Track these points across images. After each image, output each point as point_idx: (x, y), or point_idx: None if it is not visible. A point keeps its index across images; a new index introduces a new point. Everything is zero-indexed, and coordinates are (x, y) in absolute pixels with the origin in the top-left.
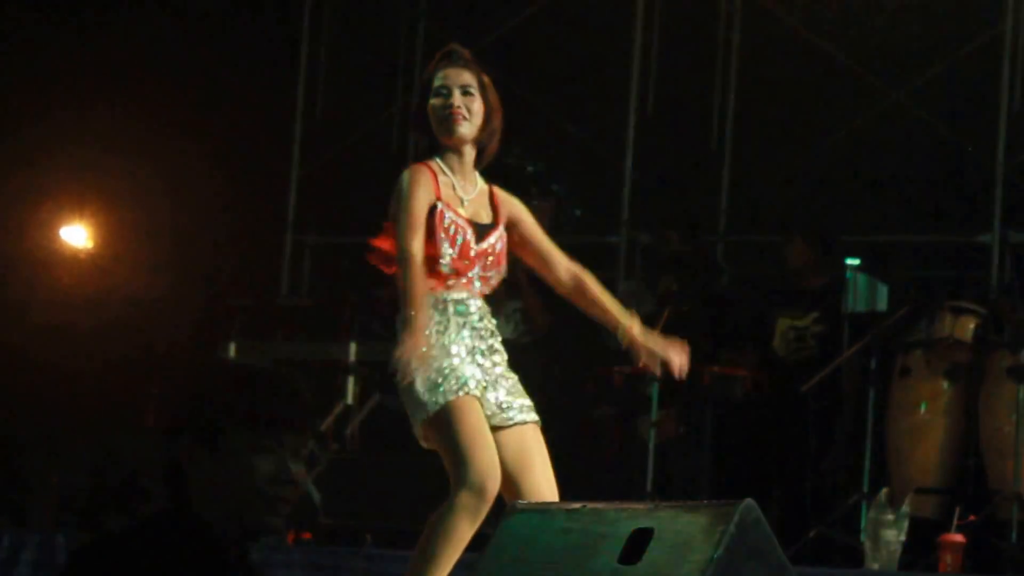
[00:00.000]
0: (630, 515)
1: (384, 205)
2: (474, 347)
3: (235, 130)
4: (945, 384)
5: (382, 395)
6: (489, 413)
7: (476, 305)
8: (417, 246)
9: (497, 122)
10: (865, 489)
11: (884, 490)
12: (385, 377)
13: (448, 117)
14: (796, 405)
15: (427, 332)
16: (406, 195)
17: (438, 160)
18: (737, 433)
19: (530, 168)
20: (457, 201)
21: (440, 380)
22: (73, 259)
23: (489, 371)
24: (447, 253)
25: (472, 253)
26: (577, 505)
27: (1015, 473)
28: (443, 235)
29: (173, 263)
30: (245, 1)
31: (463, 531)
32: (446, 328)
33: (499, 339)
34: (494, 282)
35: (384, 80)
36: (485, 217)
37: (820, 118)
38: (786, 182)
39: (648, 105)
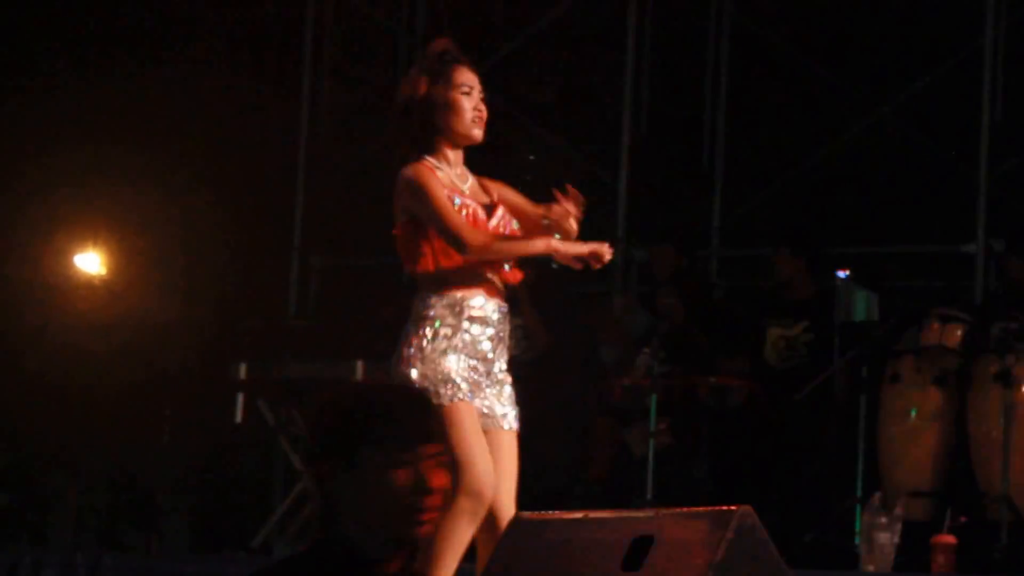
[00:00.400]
0: (631, 523)
1: (387, 224)
2: (479, 352)
3: (241, 157)
4: (934, 390)
5: None
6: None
7: (492, 307)
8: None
9: None
10: (858, 493)
11: (877, 494)
12: None
13: (475, 119)
14: (789, 413)
15: (435, 330)
16: (427, 190)
17: (429, 158)
18: (733, 441)
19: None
20: (459, 191)
21: (440, 383)
22: (87, 285)
23: (487, 375)
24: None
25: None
26: (579, 514)
27: (1003, 475)
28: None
29: (184, 287)
30: (248, 30)
31: (463, 533)
32: (455, 332)
33: (506, 344)
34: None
35: (386, 105)
36: (484, 199)
37: (807, 134)
38: (775, 196)
39: (641, 125)
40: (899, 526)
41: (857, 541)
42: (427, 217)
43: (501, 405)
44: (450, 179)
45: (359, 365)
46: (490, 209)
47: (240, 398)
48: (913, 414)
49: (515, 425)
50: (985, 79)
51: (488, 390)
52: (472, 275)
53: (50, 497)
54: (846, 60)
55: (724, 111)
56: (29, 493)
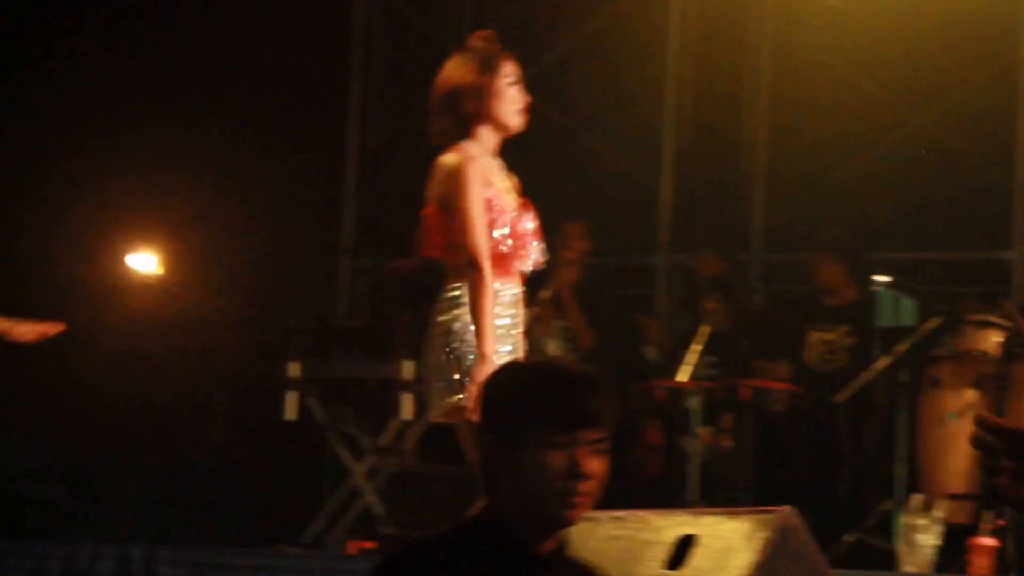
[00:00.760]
0: (674, 522)
1: None
2: (511, 337)
3: (293, 159)
4: (973, 394)
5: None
6: None
7: (512, 293)
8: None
9: None
10: (898, 495)
11: (917, 496)
12: None
13: (520, 109)
14: (830, 415)
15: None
16: (466, 189)
17: (471, 144)
18: (775, 443)
19: None
20: (502, 186)
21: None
22: (140, 285)
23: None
24: (502, 233)
25: (519, 230)
26: (623, 513)
27: None
28: (498, 218)
29: (236, 287)
30: (299, 30)
31: None
32: (498, 314)
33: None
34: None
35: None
36: (515, 195)
37: (847, 142)
38: (816, 202)
39: (683, 131)
40: (939, 528)
41: (897, 543)
42: (457, 212)
43: None
44: (492, 172)
45: (407, 365)
46: (521, 206)
47: (291, 396)
48: (953, 417)
49: None
50: (1020, 91)
51: None
52: (504, 263)
53: (106, 490)
54: (886, 70)
55: (765, 117)
56: (86, 488)
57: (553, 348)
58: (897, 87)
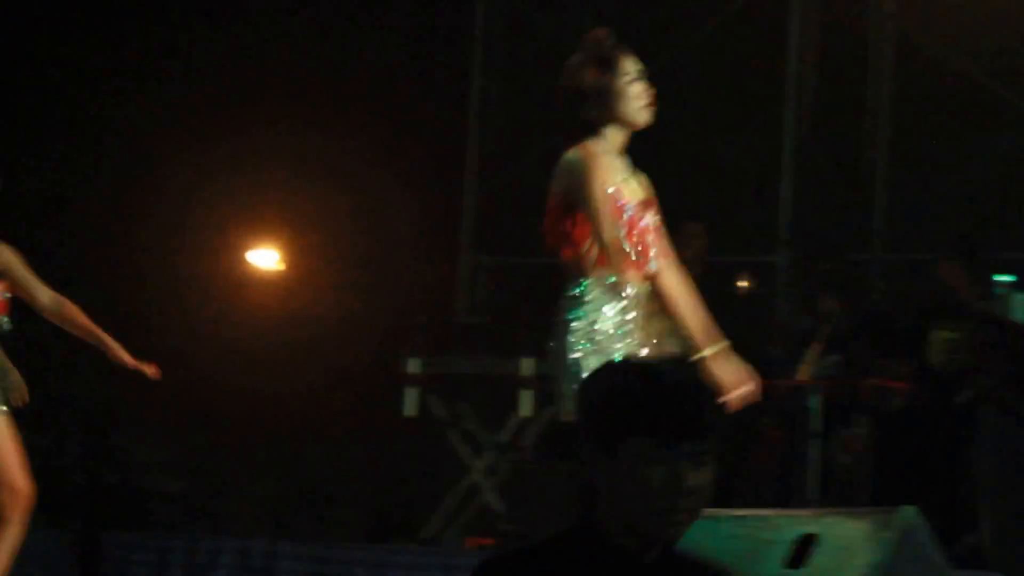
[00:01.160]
0: (795, 521)
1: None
2: (627, 333)
3: (413, 157)
4: None
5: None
6: None
7: (633, 292)
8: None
9: None
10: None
11: None
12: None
13: (647, 106)
14: (951, 415)
15: (600, 314)
16: (591, 184)
17: (600, 142)
18: (896, 442)
19: None
20: (624, 183)
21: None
22: (262, 280)
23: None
24: (623, 233)
25: (639, 227)
26: (744, 512)
27: None
28: (623, 217)
29: (357, 284)
30: (419, 31)
31: None
32: (623, 314)
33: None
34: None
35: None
36: (641, 194)
37: (969, 139)
38: (938, 201)
39: (804, 129)
40: None
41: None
42: (583, 209)
43: None
44: (617, 171)
45: (527, 362)
46: (644, 205)
47: (411, 392)
48: None
49: None
50: None
51: None
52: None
53: (228, 485)
54: (1009, 69)
55: (887, 115)
56: (208, 480)
57: (671, 347)
58: (1020, 84)
